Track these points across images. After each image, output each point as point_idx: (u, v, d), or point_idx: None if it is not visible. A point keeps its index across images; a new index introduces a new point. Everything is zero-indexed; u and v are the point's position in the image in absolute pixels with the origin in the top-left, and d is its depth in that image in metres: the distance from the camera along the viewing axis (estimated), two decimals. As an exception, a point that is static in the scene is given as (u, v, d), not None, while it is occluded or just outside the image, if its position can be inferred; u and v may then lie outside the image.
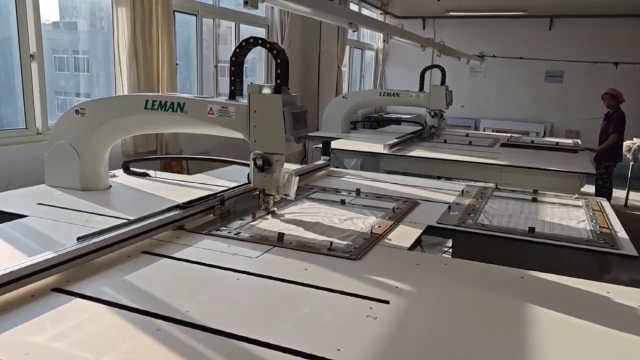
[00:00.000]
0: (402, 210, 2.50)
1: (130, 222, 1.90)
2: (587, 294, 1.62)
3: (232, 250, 1.88)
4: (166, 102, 2.39)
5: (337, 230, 2.16)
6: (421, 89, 6.11)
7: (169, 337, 1.25)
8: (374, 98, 7.24)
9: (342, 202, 2.63)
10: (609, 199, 6.50)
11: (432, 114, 5.91)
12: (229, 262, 1.75)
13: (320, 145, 3.76)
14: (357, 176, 3.45)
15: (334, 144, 4.73)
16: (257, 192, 2.29)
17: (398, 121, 9.11)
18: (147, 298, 1.47)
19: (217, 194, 2.35)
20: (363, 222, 2.28)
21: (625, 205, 7.15)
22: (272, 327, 1.33)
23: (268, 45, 2.15)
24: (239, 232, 2.07)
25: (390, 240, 2.06)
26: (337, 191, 2.90)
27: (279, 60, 2.12)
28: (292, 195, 2.32)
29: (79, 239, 1.70)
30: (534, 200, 2.82)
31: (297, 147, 2.19)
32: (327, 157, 3.55)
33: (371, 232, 2.11)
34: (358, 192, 2.83)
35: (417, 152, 4.69)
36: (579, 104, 9.93)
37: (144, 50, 4.74)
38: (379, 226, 2.22)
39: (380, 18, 10.56)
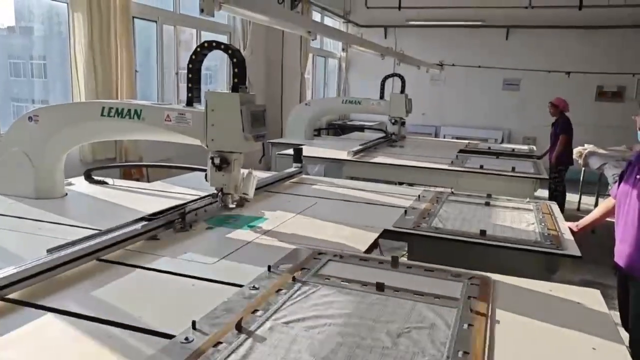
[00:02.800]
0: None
1: (95, 235, 1.88)
2: (532, 292, 1.70)
3: (188, 257, 1.88)
4: (123, 109, 2.37)
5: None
6: (382, 97, 6.23)
7: (119, 342, 1.25)
8: (336, 105, 7.33)
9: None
10: (562, 202, 6.75)
11: (393, 121, 6.04)
12: (185, 269, 1.75)
13: (286, 152, 3.76)
14: (328, 183, 3.47)
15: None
16: (216, 192, 2.29)
17: (361, 128, 9.22)
18: (102, 306, 1.46)
19: (177, 206, 2.25)
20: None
21: (578, 209, 7.43)
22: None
23: (223, 47, 2.18)
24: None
25: (346, 244, 2.10)
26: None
27: (235, 60, 2.14)
28: (251, 194, 2.33)
29: (49, 250, 1.67)
30: (487, 204, 2.92)
31: (256, 146, 2.20)
32: (299, 165, 3.55)
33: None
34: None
35: (379, 159, 4.78)
36: (535, 111, 10.27)
37: (102, 57, 4.67)
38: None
39: (343, 27, 10.69)
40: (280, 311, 1.44)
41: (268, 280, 1.64)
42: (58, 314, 1.40)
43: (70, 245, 1.73)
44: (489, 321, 1.43)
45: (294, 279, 1.65)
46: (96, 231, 1.91)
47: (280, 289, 1.57)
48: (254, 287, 1.57)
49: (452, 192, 3.18)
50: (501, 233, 2.35)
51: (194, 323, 1.29)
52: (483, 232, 2.26)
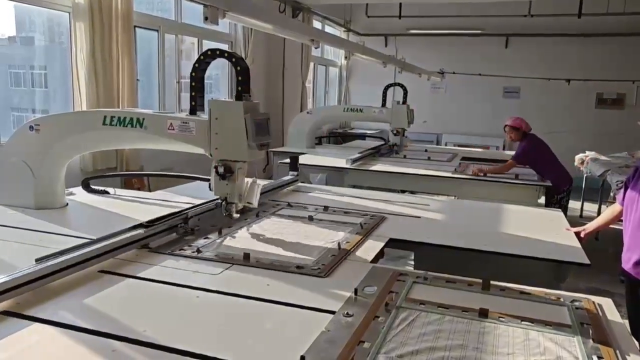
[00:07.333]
0: (369, 225, 2.48)
1: (90, 243, 1.84)
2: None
3: (193, 267, 1.85)
4: (125, 117, 2.35)
5: (305, 247, 2.13)
6: (384, 105, 6.21)
7: (124, 358, 1.21)
8: (338, 114, 7.32)
9: (310, 218, 2.60)
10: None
11: (395, 132, 5.98)
12: (190, 280, 1.72)
13: (287, 161, 3.74)
14: (324, 191, 3.43)
15: (299, 159, 4.73)
16: (220, 201, 2.26)
17: (363, 136, 9.20)
18: (104, 319, 1.43)
19: (180, 211, 2.28)
20: (331, 238, 2.24)
21: (581, 216, 7.40)
22: (231, 344, 1.32)
23: (227, 55, 2.15)
24: (202, 252, 1.99)
25: (353, 252, 2.07)
26: (304, 207, 2.85)
27: (238, 68, 2.11)
28: (255, 203, 2.29)
29: (37, 260, 1.64)
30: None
31: (259, 155, 2.18)
32: (295, 173, 3.53)
33: (339, 248, 2.10)
34: (326, 208, 2.81)
35: (379, 167, 4.75)
36: (535, 118, 10.23)
37: (103, 66, 4.66)
38: (347, 242, 2.19)
39: (344, 36, 10.71)
40: (388, 343, 1.36)
41: (358, 305, 1.56)
42: (48, 324, 1.37)
43: (59, 254, 1.69)
44: (617, 352, 1.34)
45: (386, 304, 1.57)
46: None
47: (377, 316, 1.49)
48: (347, 314, 1.49)
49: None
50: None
51: (302, 358, 1.22)
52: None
